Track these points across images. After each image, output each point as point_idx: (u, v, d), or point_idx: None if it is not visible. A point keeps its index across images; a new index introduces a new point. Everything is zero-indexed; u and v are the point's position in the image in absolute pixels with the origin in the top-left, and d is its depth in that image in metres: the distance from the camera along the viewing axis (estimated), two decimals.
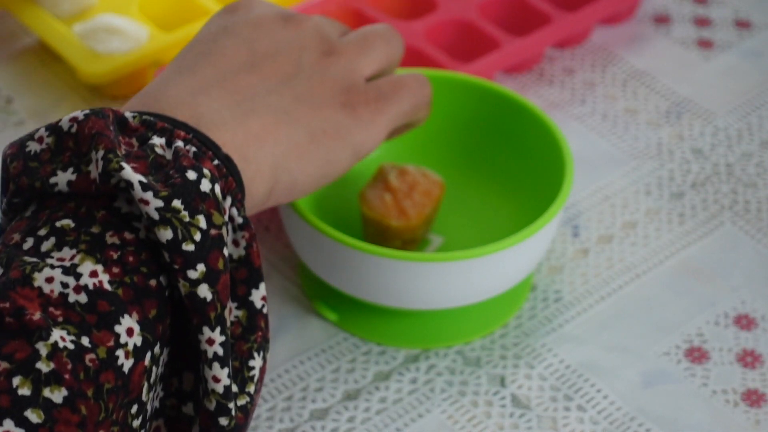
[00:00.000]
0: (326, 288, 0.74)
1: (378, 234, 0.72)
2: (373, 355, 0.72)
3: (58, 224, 0.53)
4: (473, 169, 0.78)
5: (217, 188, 0.54)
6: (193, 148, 0.55)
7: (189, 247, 0.52)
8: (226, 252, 0.54)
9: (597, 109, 0.88)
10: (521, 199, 0.76)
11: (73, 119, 0.54)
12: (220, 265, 0.53)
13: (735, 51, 0.94)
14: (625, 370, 0.71)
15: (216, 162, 0.56)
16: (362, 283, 0.69)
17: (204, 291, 0.52)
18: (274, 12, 0.65)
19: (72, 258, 0.51)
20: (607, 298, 0.76)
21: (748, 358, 0.72)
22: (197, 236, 0.52)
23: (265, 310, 0.56)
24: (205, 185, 0.54)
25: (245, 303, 0.56)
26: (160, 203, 0.52)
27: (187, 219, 0.52)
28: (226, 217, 0.55)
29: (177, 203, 0.52)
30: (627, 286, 0.76)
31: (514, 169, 0.77)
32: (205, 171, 0.54)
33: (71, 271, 0.51)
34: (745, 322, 0.74)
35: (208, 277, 0.53)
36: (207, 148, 0.56)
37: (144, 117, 0.56)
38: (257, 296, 0.56)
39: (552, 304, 0.75)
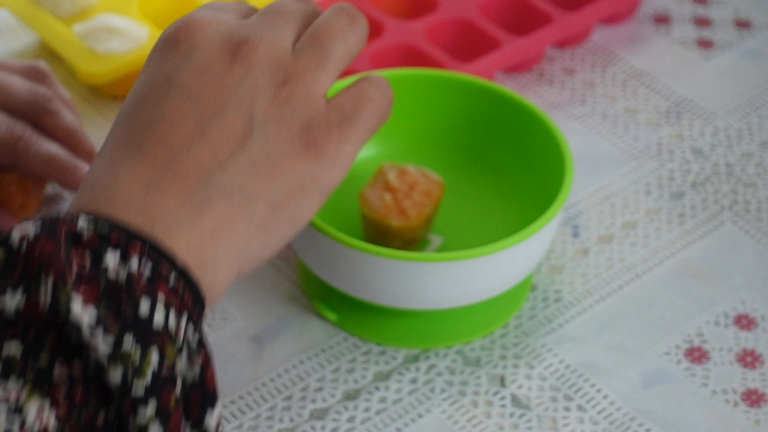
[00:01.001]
0: (326, 288, 0.74)
1: (378, 234, 0.72)
2: (373, 355, 0.72)
3: (4, 352, 0.49)
4: (473, 169, 0.78)
5: (172, 317, 0.51)
6: (148, 270, 0.52)
7: (139, 388, 0.50)
8: (178, 389, 0.51)
9: (597, 109, 0.88)
10: (521, 199, 0.76)
11: (24, 237, 0.51)
12: (172, 403, 0.50)
13: (735, 51, 0.94)
14: (625, 370, 0.71)
15: (171, 281, 0.52)
16: (362, 283, 0.69)
17: (155, 430, 0.50)
18: (219, 46, 0.59)
19: (18, 395, 0.49)
20: (607, 298, 0.76)
21: (748, 358, 0.72)
22: (149, 376, 0.50)
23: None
24: (159, 318, 0.51)
25: (200, 427, 0.52)
26: (108, 348, 0.49)
27: (138, 359, 0.50)
28: (180, 342, 0.51)
29: (128, 342, 0.49)
30: (627, 286, 0.76)
31: (514, 169, 0.77)
32: (160, 297, 0.51)
33: (17, 411, 0.48)
34: (745, 322, 0.74)
35: (160, 416, 0.50)
36: (163, 259, 0.53)
37: (98, 227, 0.52)
38: (212, 420, 0.52)
39: (552, 304, 0.75)
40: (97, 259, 0.51)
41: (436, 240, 0.75)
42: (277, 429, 0.68)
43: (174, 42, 0.59)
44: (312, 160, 0.58)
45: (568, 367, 0.72)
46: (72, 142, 0.77)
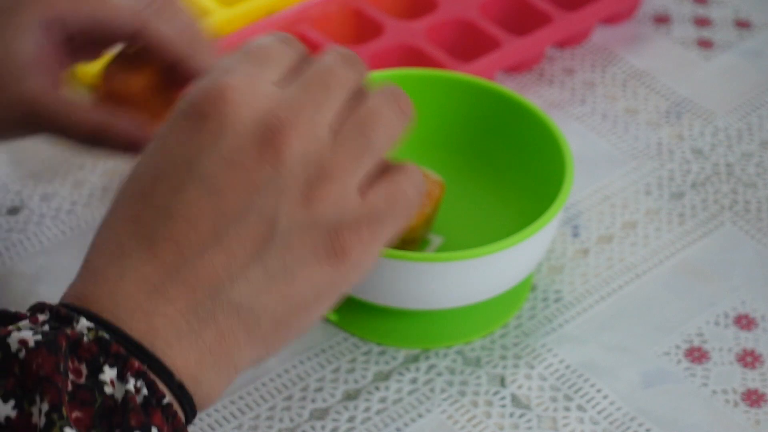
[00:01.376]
0: None
1: None
2: (373, 355, 0.72)
3: None
4: (473, 169, 0.78)
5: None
6: (144, 390, 0.49)
7: None
8: None
9: (597, 109, 0.88)
10: (521, 199, 0.76)
11: (23, 342, 0.48)
12: None
13: (735, 51, 0.94)
14: (625, 370, 0.71)
15: (166, 398, 0.50)
16: (362, 283, 0.68)
17: None
18: (250, 132, 0.52)
19: None
20: (607, 298, 0.76)
21: (748, 358, 0.72)
22: None
23: None
24: None
25: None
26: None
27: None
28: None
29: None
30: (627, 286, 0.76)
31: (514, 169, 0.77)
32: (153, 430, 0.49)
33: None
34: (745, 322, 0.74)
35: None
36: (161, 376, 0.50)
37: (99, 333, 0.50)
38: None
39: (552, 304, 0.75)
40: (95, 371, 0.49)
41: (436, 240, 0.75)
42: (277, 429, 0.68)
43: (202, 116, 0.53)
44: (334, 268, 0.53)
45: (568, 367, 0.72)
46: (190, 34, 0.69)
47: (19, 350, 0.48)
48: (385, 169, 0.55)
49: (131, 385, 0.49)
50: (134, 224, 0.52)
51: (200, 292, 0.51)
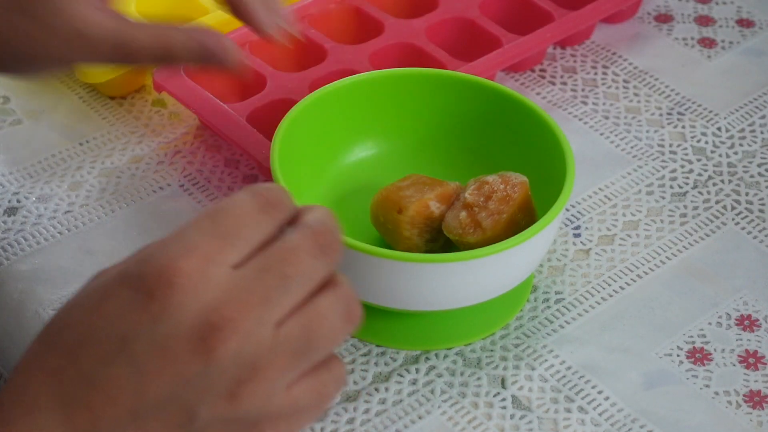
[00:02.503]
0: None
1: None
2: (373, 357, 0.72)
3: None
4: (474, 169, 0.78)
5: None
6: None
7: None
8: None
9: (598, 109, 0.88)
10: None
11: None
12: None
13: (737, 50, 0.93)
14: (627, 372, 0.71)
15: None
16: (362, 284, 0.68)
17: None
18: (190, 324, 0.50)
19: None
20: (608, 299, 0.75)
21: (750, 360, 0.72)
22: None
23: None
24: None
25: None
26: None
27: None
28: None
29: None
30: (628, 286, 0.76)
31: (515, 169, 0.77)
32: None
33: None
34: (747, 323, 0.74)
35: None
36: None
37: None
38: None
39: (553, 305, 0.75)
40: None
41: None
42: None
43: (147, 294, 0.50)
44: None
45: (569, 368, 0.71)
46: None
47: None
48: (317, 362, 0.53)
49: None
50: (55, 381, 0.51)
51: None
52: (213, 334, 0.50)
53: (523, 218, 0.71)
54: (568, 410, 0.69)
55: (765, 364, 0.72)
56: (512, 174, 0.72)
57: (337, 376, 0.54)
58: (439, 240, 0.72)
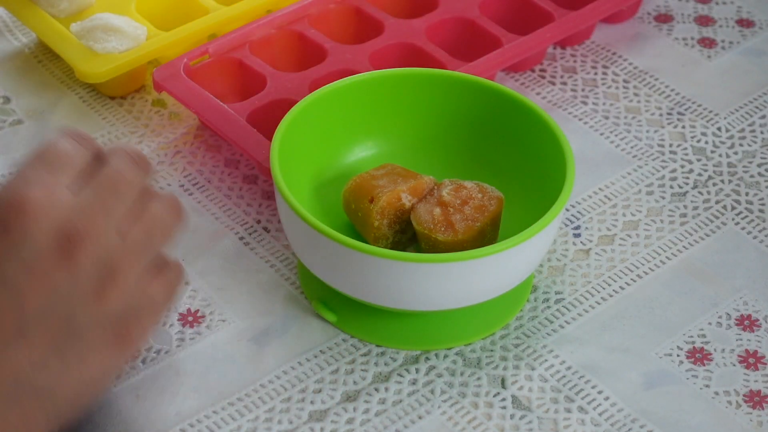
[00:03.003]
0: (325, 289, 0.73)
1: (429, 250, 0.71)
2: (373, 357, 0.72)
3: None
4: (473, 169, 0.78)
5: None
6: None
7: None
8: None
9: (598, 109, 0.88)
10: (522, 200, 0.75)
11: None
12: None
13: (737, 50, 0.93)
14: (627, 372, 0.71)
15: None
16: (361, 284, 0.68)
17: None
18: (49, 240, 0.58)
19: None
20: (608, 299, 0.75)
21: (750, 360, 0.72)
22: None
23: None
24: None
25: None
26: None
27: None
28: None
29: None
30: (628, 286, 0.76)
31: (515, 169, 0.77)
32: None
33: None
34: (747, 323, 0.74)
35: None
36: None
37: None
38: None
39: (553, 305, 0.75)
40: None
41: None
42: (275, 430, 0.68)
43: (5, 228, 0.58)
44: (120, 351, 0.61)
45: (569, 368, 0.71)
46: None
47: None
48: (162, 265, 0.64)
49: None
50: None
51: (4, 378, 0.58)
52: (70, 243, 0.58)
53: (490, 232, 0.72)
54: (568, 410, 0.69)
55: (765, 364, 0.72)
56: (489, 186, 0.72)
57: (178, 273, 0.65)
58: (407, 232, 0.73)
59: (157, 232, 0.63)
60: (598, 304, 0.75)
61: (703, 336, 0.73)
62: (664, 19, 0.96)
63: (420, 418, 0.69)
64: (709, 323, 0.74)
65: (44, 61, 0.90)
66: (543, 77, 0.90)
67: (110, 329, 0.60)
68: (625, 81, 0.90)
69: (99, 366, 0.61)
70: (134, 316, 0.62)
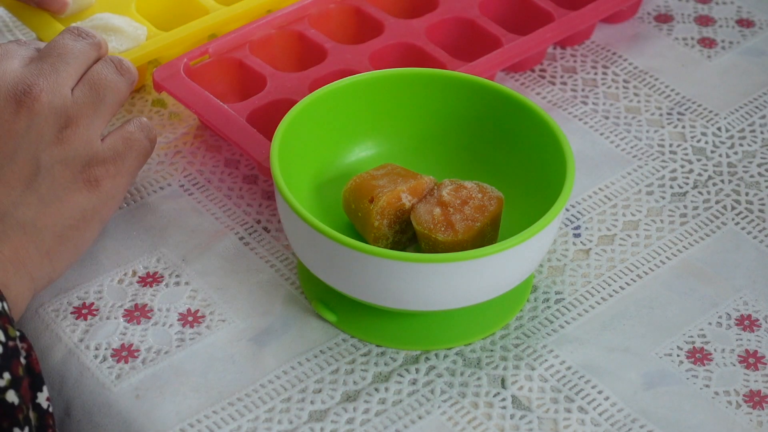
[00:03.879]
0: (325, 289, 0.73)
1: (429, 249, 0.71)
2: (373, 357, 0.72)
3: None
4: (473, 169, 0.78)
5: (6, 306, 0.64)
6: None
7: None
8: (23, 360, 0.62)
9: (598, 109, 0.88)
10: (522, 200, 0.75)
11: None
12: (21, 371, 0.61)
13: (737, 50, 0.93)
14: (627, 372, 0.71)
15: None
16: (361, 284, 0.68)
17: (12, 396, 0.61)
18: (5, 97, 0.70)
19: None
20: (608, 299, 0.75)
21: (750, 360, 0.72)
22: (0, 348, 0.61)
23: (50, 410, 0.64)
24: None
25: (34, 407, 0.64)
26: None
27: None
28: (18, 332, 0.63)
29: None
30: (628, 286, 0.76)
31: (515, 169, 0.77)
32: None
33: None
34: (747, 323, 0.74)
35: (14, 383, 0.61)
36: None
37: None
38: (42, 398, 0.64)
39: (553, 305, 0.75)
40: None
41: None
42: (275, 430, 0.68)
43: None
44: (93, 194, 0.72)
45: (569, 368, 0.71)
46: None
47: None
48: (122, 124, 0.75)
49: None
50: None
51: None
52: (26, 95, 0.70)
53: (490, 232, 0.72)
54: (568, 410, 0.69)
55: (765, 364, 0.72)
56: (489, 186, 0.72)
57: (139, 125, 0.75)
58: (407, 232, 0.73)
59: (104, 88, 0.73)
60: (598, 304, 0.75)
61: (703, 336, 0.73)
62: (664, 19, 0.96)
63: (420, 418, 0.69)
64: (709, 323, 0.74)
65: None
66: (543, 77, 0.90)
67: (78, 172, 0.71)
68: (625, 81, 0.90)
69: (75, 207, 0.71)
70: (99, 164, 0.72)
